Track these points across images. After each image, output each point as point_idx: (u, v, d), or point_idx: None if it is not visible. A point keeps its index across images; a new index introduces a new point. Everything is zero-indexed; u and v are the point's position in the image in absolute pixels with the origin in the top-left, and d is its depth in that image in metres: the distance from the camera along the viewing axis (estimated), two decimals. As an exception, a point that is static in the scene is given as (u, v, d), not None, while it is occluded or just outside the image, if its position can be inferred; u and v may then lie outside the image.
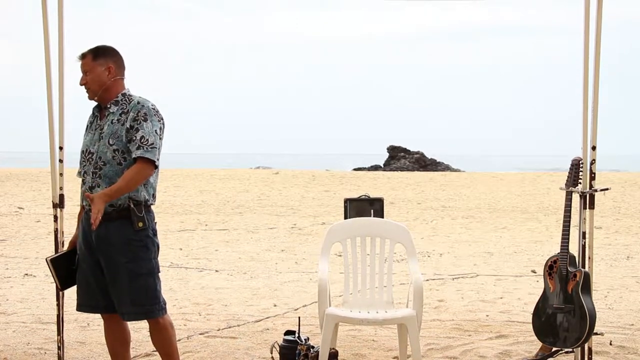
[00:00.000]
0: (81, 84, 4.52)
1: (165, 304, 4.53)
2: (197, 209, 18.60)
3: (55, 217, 5.35)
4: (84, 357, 5.76)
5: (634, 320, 7.00)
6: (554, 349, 5.55)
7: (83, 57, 4.52)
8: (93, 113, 4.59)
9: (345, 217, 6.34)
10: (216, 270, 10.04)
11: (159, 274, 4.52)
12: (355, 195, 7.03)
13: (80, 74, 4.52)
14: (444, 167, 43.18)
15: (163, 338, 4.54)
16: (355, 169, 43.29)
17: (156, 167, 4.41)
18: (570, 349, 5.51)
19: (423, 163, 43.77)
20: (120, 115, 4.44)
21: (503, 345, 6.11)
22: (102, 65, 4.49)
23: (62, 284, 4.63)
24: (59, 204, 5.36)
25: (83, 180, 4.50)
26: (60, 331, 5.40)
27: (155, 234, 4.51)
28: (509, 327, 6.70)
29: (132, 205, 4.37)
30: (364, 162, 48.70)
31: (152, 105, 4.47)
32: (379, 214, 6.38)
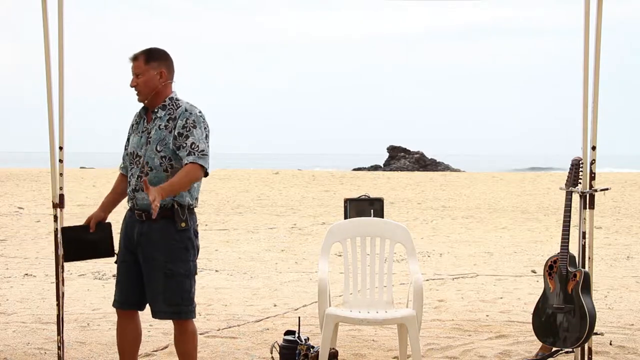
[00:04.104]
0: (131, 86, 4.48)
1: (195, 307, 4.54)
2: (197, 209, 18.57)
3: (55, 217, 5.34)
4: (84, 357, 5.76)
5: (634, 320, 7.00)
6: (554, 349, 5.55)
7: (135, 59, 4.47)
8: (140, 114, 4.57)
9: (345, 217, 6.33)
10: (216, 270, 10.04)
11: (195, 276, 4.54)
12: (355, 195, 7.03)
13: (131, 76, 4.48)
14: (444, 167, 43.24)
15: (186, 341, 4.55)
16: (355, 169, 43.32)
17: (206, 174, 4.41)
18: (570, 349, 5.51)
19: (423, 163, 43.85)
20: (167, 121, 4.42)
21: (503, 345, 6.11)
22: (155, 69, 4.45)
23: (67, 255, 4.75)
24: (59, 204, 5.35)
25: (128, 182, 4.55)
26: (60, 331, 5.40)
27: (196, 236, 4.54)
28: (509, 327, 6.70)
29: (176, 206, 4.41)
30: (364, 162, 48.71)
31: (199, 111, 4.46)
32: (379, 214, 6.37)
